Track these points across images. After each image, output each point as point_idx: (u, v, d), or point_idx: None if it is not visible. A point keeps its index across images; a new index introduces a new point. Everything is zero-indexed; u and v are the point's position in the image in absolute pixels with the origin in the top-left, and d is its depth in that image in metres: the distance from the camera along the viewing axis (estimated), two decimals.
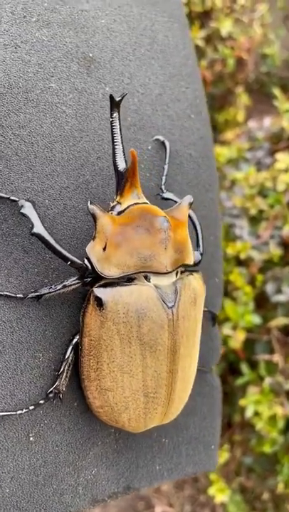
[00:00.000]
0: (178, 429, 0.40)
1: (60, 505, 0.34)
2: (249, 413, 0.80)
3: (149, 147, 0.40)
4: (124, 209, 0.32)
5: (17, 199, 0.32)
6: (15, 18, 0.35)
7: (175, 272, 0.33)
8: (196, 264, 0.35)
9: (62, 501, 0.34)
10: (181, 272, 0.34)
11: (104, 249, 0.31)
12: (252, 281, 0.82)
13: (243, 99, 1.30)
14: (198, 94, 0.43)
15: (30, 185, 0.33)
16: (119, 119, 0.33)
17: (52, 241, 0.31)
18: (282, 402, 0.80)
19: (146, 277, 0.32)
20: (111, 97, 0.32)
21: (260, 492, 0.97)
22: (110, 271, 0.31)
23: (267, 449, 0.83)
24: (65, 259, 0.31)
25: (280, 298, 0.77)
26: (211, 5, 1.19)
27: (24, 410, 0.32)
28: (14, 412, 0.31)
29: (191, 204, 0.34)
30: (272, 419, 0.80)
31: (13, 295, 0.32)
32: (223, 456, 0.91)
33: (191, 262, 0.34)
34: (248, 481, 1.00)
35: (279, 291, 0.78)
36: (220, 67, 1.22)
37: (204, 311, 0.37)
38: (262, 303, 0.82)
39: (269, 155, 0.89)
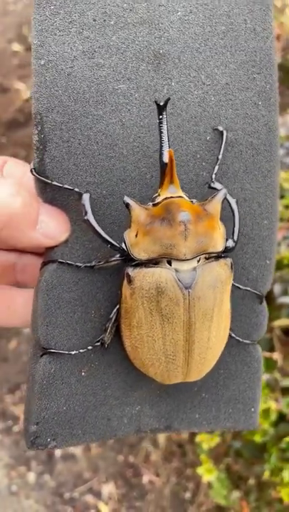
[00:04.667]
0: (218, 388, 0.46)
1: (108, 428, 0.42)
2: None
3: (208, 138, 0.42)
4: (160, 201, 0.37)
5: (79, 191, 0.39)
6: (96, 24, 0.39)
7: (197, 258, 0.37)
8: (229, 250, 0.40)
9: (110, 425, 0.42)
10: (206, 258, 0.38)
11: (136, 235, 0.37)
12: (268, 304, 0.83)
13: None
14: (269, 79, 0.44)
15: (92, 179, 0.39)
16: (166, 120, 0.37)
17: (97, 227, 0.38)
18: (276, 398, 0.83)
19: (169, 262, 0.37)
20: (156, 103, 0.37)
21: (247, 476, 1.02)
22: (139, 254, 0.37)
23: (258, 438, 0.87)
24: (106, 242, 0.38)
25: (287, 300, 0.79)
26: None
27: (75, 352, 0.40)
28: (67, 352, 0.40)
29: (224, 199, 0.38)
30: (266, 412, 0.84)
31: (72, 263, 0.40)
32: (214, 441, 0.95)
33: (218, 250, 0.38)
34: (235, 465, 1.04)
35: (285, 292, 0.80)
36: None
37: (246, 291, 0.44)
38: (267, 302, 0.84)
39: None
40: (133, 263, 0.38)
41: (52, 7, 0.39)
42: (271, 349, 0.85)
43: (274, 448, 0.87)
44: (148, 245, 0.36)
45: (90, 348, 0.40)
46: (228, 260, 0.39)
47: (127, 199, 0.36)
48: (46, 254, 0.41)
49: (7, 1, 1.86)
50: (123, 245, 0.38)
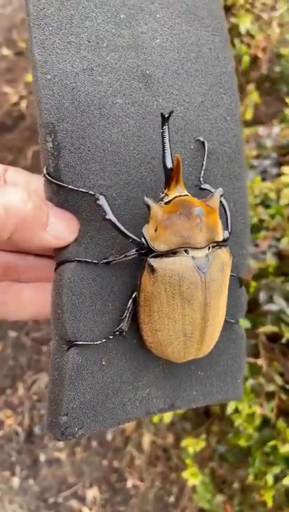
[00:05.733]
0: (211, 365, 0.50)
1: (123, 413, 0.45)
2: (230, 410, 0.86)
3: (192, 147, 0.48)
4: (170, 200, 0.42)
5: (94, 193, 0.42)
6: (90, 45, 0.44)
7: (208, 246, 0.42)
8: (225, 240, 0.45)
9: (125, 410, 0.45)
10: (213, 247, 0.43)
11: (155, 230, 0.41)
12: (246, 287, 0.85)
13: (254, 97, 1.31)
14: (233, 98, 0.51)
15: (102, 182, 0.43)
16: (168, 130, 0.42)
17: (118, 224, 0.42)
18: (261, 403, 0.85)
19: (186, 251, 0.41)
20: (162, 115, 0.41)
21: (231, 480, 1.03)
22: (160, 246, 0.41)
23: (242, 442, 0.88)
24: (127, 237, 0.42)
25: (272, 307, 0.81)
26: (233, 0, 1.18)
27: (98, 342, 0.43)
28: (92, 343, 0.43)
29: (221, 195, 0.43)
30: (251, 417, 0.86)
31: (90, 261, 0.43)
32: (200, 445, 0.97)
33: (221, 239, 0.43)
34: (219, 469, 1.06)
35: (271, 300, 0.82)
36: (235, 64, 1.21)
37: (232, 276, 0.49)
38: (253, 308, 0.86)
39: (275, 165, 0.91)
40: (152, 255, 0.42)
41: (50, 28, 0.42)
42: (256, 355, 0.87)
43: (258, 452, 0.89)
44: (168, 237, 0.41)
45: (111, 337, 0.44)
46: (228, 248, 0.44)
47: (147, 200, 0.41)
48: (58, 255, 0.44)
49: None
50: (142, 240, 0.42)
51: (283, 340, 0.86)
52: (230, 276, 0.49)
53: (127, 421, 0.46)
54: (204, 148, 0.48)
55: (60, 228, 0.41)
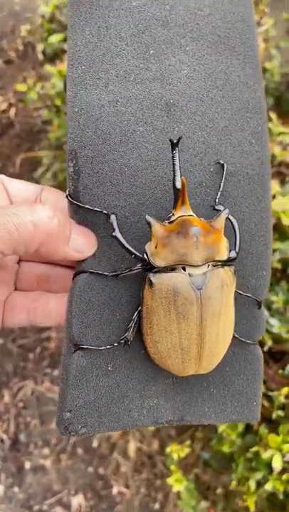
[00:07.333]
0: (225, 383, 0.51)
1: (129, 418, 0.47)
2: None
3: (212, 169, 0.50)
4: (175, 219, 0.44)
5: (106, 212, 0.46)
6: (118, 80, 0.47)
7: (207, 265, 0.44)
8: (231, 260, 0.46)
9: (131, 416, 0.47)
10: (214, 265, 0.44)
11: (156, 247, 0.43)
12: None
13: None
14: (260, 122, 0.52)
15: (117, 202, 0.47)
16: (178, 155, 0.44)
17: (123, 240, 0.45)
18: None
19: (183, 268, 0.43)
20: (170, 140, 0.44)
21: (215, 486, 1.05)
22: (159, 262, 0.43)
23: (226, 449, 0.90)
24: (131, 253, 0.45)
25: None
26: None
27: (103, 348, 0.46)
28: (96, 347, 0.46)
29: (226, 217, 0.45)
30: (234, 423, 0.87)
31: (100, 272, 0.46)
32: (184, 451, 0.98)
33: (223, 259, 0.45)
34: (203, 475, 1.07)
35: None
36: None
37: (248, 297, 0.51)
38: None
39: None
40: (153, 270, 0.44)
41: (83, 67, 0.47)
42: None
43: (241, 458, 0.90)
44: (166, 254, 0.43)
45: (115, 344, 0.46)
46: (232, 267, 0.46)
47: (148, 218, 0.43)
48: (77, 266, 0.47)
49: None
50: (145, 256, 0.44)
51: (265, 349, 0.88)
52: (247, 297, 0.51)
53: (134, 427, 0.48)
54: (223, 171, 0.50)
55: (80, 243, 0.46)
